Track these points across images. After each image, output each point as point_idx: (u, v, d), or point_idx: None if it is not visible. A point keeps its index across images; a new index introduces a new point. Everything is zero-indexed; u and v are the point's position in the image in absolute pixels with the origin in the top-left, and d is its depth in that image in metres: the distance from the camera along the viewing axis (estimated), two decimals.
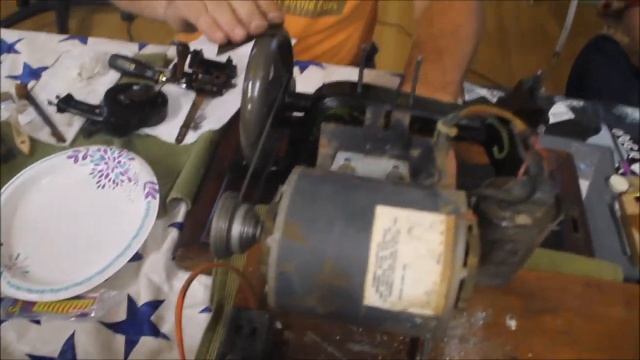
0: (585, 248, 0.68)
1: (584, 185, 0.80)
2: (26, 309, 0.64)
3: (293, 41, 1.00)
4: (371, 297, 0.43)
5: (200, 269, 0.53)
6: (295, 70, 0.98)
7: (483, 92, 0.95)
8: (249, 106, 0.57)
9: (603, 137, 0.87)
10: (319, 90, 0.63)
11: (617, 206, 0.77)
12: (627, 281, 0.64)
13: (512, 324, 0.59)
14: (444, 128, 0.46)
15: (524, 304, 0.59)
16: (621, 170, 0.83)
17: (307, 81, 0.95)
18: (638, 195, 0.77)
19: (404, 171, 0.53)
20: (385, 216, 0.43)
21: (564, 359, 0.56)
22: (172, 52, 0.99)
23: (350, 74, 0.98)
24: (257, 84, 0.57)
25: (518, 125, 0.42)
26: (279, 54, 0.66)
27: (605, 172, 0.82)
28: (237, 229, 0.49)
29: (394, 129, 0.52)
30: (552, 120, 0.89)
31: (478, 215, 0.49)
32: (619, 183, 0.80)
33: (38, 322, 0.64)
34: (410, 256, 0.42)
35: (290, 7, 1.01)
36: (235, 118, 0.83)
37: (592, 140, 0.87)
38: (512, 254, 0.52)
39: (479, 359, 0.57)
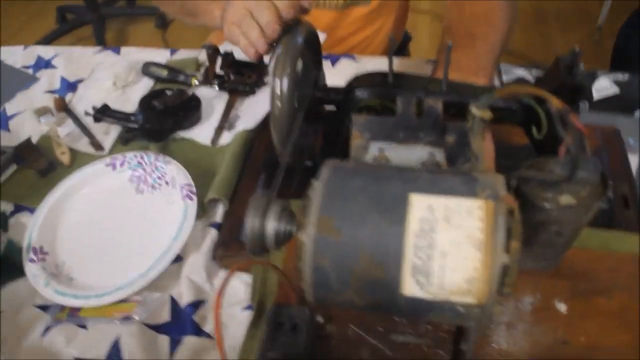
0: (638, 225, 0.65)
1: (633, 160, 0.76)
2: (73, 314, 0.66)
3: (323, 35, 1.00)
4: (410, 288, 0.42)
5: (236, 266, 0.53)
6: (327, 63, 0.98)
7: (520, 72, 0.92)
8: (278, 103, 0.56)
9: None
10: (350, 82, 0.62)
11: None
12: None
13: (562, 307, 0.57)
14: (478, 112, 0.45)
15: (573, 286, 0.57)
16: None
17: (340, 73, 0.94)
18: None
19: (440, 158, 0.51)
20: (420, 205, 0.42)
21: (618, 343, 0.53)
22: (203, 55, 0.99)
23: (382, 64, 0.97)
24: (285, 81, 0.56)
25: (554, 103, 0.40)
26: (307, 49, 0.66)
27: None
28: (271, 225, 0.49)
29: (427, 116, 0.51)
30: (596, 96, 0.86)
31: (520, 198, 0.48)
32: None
33: (85, 326, 0.65)
34: (448, 244, 0.41)
35: (319, 2, 1.00)
36: (269, 116, 0.83)
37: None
38: (558, 236, 0.50)
39: (529, 345, 0.55)
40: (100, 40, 2.56)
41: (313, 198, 0.45)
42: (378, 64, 0.97)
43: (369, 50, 1.10)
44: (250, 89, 0.91)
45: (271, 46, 0.59)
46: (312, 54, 0.66)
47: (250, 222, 0.48)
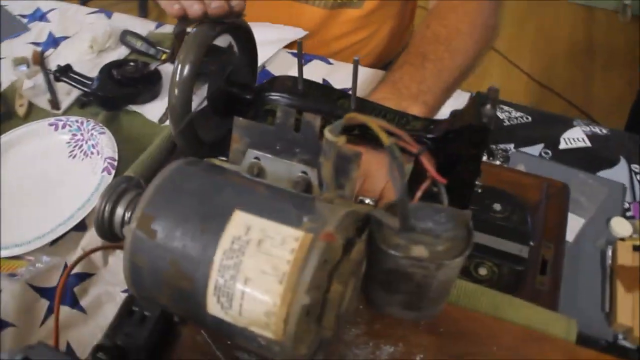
0: (547, 294, 0.60)
1: (577, 222, 0.71)
2: None
3: (302, 34, 0.98)
4: (213, 307, 0.40)
5: (89, 251, 0.52)
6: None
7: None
8: (175, 91, 0.55)
9: (619, 172, 0.76)
10: (263, 84, 0.60)
11: (609, 252, 0.67)
12: (587, 342, 0.55)
13: None
14: (331, 136, 0.42)
15: (441, 344, 0.53)
16: (630, 213, 0.72)
17: (308, 74, 0.92)
18: (638, 244, 0.67)
19: (312, 178, 0.49)
20: (239, 222, 0.40)
21: None
22: None
23: (361, 72, 0.93)
24: (187, 68, 0.55)
25: (383, 139, 0.36)
26: (236, 41, 0.64)
27: (610, 212, 0.72)
28: (120, 212, 0.47)
29: (303, 132, 0.48)
30: (562, 145, 0.80)
31: (372, 239, 0.44)
32: (621, 226, 0.69)
33: None
34: (253, 270, 0.38)
35: None
36: None
37: (605, 173, 0.76)
38: (419, 288, 0.46)
39: None
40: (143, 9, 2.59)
41: (146, 191, 0.43)
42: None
43: (358, 56, 1.06)
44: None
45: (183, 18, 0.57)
46: (241, 49, 0.64)
47: (100, 204, 0.47)
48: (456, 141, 0.53)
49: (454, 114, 0.54)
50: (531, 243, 0.63)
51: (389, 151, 0.36)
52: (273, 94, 0.58)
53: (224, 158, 0.66)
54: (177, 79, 0.55)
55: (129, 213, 0.47)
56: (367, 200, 0.59)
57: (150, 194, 0.43)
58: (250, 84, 0.65)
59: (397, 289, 0.48)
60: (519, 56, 2.39)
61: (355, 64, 0.52)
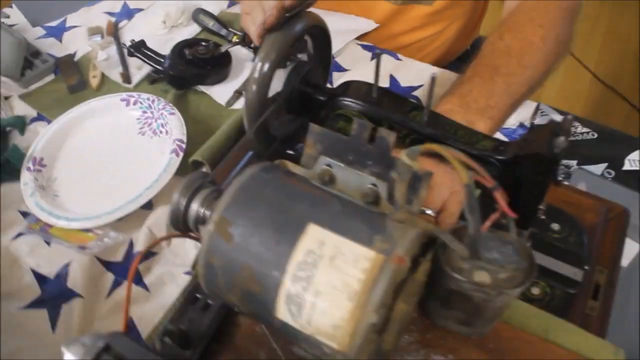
0: (597, 320, 0.60)
1: (634, 248, 0.70)
2: (44, 229, 0.71)
3: (373, 26, 0.97)
4: (282, 313, 0.42)
5: (161, 239, 0.55)
6: (367, 56, 0.95)
7: (559, 118, 0.85)
8: (253, 87, 0.56)
9: None
10: (337, 87, 0.61)
11: None
12: None
13: None
14: (407, 159, 0.43)
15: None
16: None
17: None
18: None
19: (382, 191, 0.50)
20: (314, 236, 0.42)
21: None
22: None
23: (426, 70, 0.93)
24: (266, 66, 0.56)
25: (462, 176, 0.37)
26: (313, 42, 0.65)
27: None
28: (194, 207, 0.50)
29: (377, 146, 0.49)
30: (627, 167, 0.78)
31: (436, 261, 0.46)
32: None
33: (49, 243, 0.70)
34: (325, 285, 0.40)
35: None
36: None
37: None
38: (476, 309, 0.48)
39: None
40: None
41: (224, 195, 0.45)
42: (421, 69, 0.94)
43: (424, 52, 1.06)
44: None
45: (266, 31, 0.58)
46: (316, 49, 0.64)
47: (176, 198, 0.49)
48: (524, 166, 0.53)
49: (525, 137, 0.54)
50: (586, 267, 0.63)
51: (466, 190, 0.37)
52: (347, 99, 0.59)
53: (291, 152, 0.68)
54: (255, 75, 0.56)
55: (204, 209, 0.49)
56: (429, 211, 0.61)
57: (228, 199, 0.45)
58: (323, 84, 0.66)
59: (454, 307, 0.49)
60: (586, 55, 2.31)
61: (432, 81, 0.52)
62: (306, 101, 0.62)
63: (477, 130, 0.57)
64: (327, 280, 0.40)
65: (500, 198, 0.40)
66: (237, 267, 0.43)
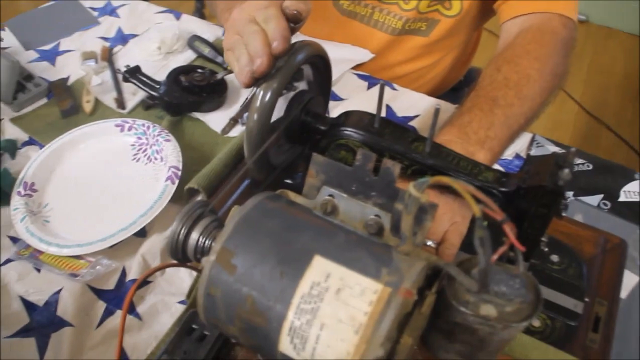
0: (598, 352, 0.59)
1: (632, 279, 0.70)
2: (34, 255, 0.69)
3: (370, 56, 0.98)
4: (285, 346, 0.41)
5: (153, 269, 0.53)
6: (364, 86, 0.96)
7: (554, 149, 0.86)
8: (254, 115, 0.56)
9: None
10: (338, 117, 0.60)
11: None
12: None
13: None
14: (415, 192, 0.42)
15: None
16: None
17: (373, 98, 0.92)
18: None
19: (385, 222, 0.49)
20: (319, 268, 0.41)
21: None
22: None
23: (422, 100, 0.93)
24: (268, 95, 0.56)
25: (474, 209, 0.37)
26: (314, 71, 0.65)
27: None
28: (194, 236, 0.49)
29: (382, 177, 0.48)
30: (623, 198, 0.79)
31: (442, 294, 0.45)
32: None
33: (39, 270, 0.68)
34: (330, 318, 0.39)
35: (378, 21, 0.98)
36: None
37: None
38: (481, 342, 0.47)
39: None
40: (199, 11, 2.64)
41: (226, 225, 0.44)
42: (417, 99, 0.94)
43: (419, 82, 1.06)
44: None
45: (255, 79, 0.56)
46: (317, 79, 0.65)
47: (175, 227, 0.49)
48: (526, 198, 0.53)
49: (527, 170, 0.54)
50: (586, 299, 0.63)
51: (478, 223, 0.37)
52: (349, 129, 0.58)
53: (289, 181, 0.68)
54: (257, 104, 0.56)
55: (204, 239, 0.48)
56: (429, 242, 0.60)
57: (230, 229, 0.44)
58: (323, 113, 0.65)
59: (458, 339, 0.48)
60: (572, 86, 2.35)
61: (436, 112, 0.52)
62: (306, 130, 0.62)
63: (479, 162, 0.57)
64: (332, 313, 0.39)
65: (509, 231, 0.39)
66: (240, 299, 0.42)
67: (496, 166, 0.80)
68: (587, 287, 0.64)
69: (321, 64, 0.64)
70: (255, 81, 0.55)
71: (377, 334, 0.38)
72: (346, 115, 0.60)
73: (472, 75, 1.21)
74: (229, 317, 0.43)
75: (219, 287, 0.43)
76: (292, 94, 0.63)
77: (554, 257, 0.65)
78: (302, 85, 0.66)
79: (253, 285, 0.41)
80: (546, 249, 0.64)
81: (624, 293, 0.69)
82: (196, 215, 0.49)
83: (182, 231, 0.48)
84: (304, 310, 0.40)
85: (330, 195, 0.51)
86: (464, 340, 0.48)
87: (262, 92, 0.56)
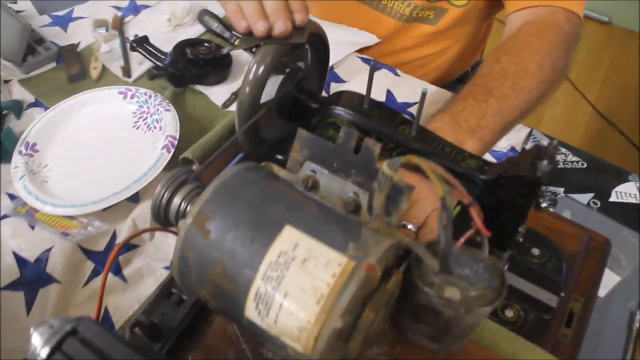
0: (568, 347, 0.60)
1: (612, 279, 0.70)
2: (30, 213, 0.71)
3: (375, 41, 0.99)
4: (251, 312, 0.42)
5: (140, 231, 0.55)
6: (366, 69, 0.96)
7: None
8: (246, 89, 0.57)
9: None
10: (330, 96, 0.61)
11: (638, 316, 0.67)
12: None
13: None
14: (388, 170, 0.43)
15: None
16: None
17: (374, 83, 0.93)
18: None
19: (363, 200, 0.50)
20: (288, 237, 0.42)
21: None
22: None
23: (422, 87, 0.93)
24: (261, 70, 0.57)
25: (438, 189, 0.38)
26: (312, 51, 0.65)
27: None
28: (176, 201, 0.50)
29: (362, 156, 0.49)
30: (613, 198, 0.79)
31: (409, 274, 0.46)
32: None
33: (33, 227, 0.70)
34: (294, 287, 0.40)
35: (387, 7, 0.98)
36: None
37: None
38: (445, 325, 0.48)
39: None
40: None
41: (205, 191, 0.46)
42: (419, 85, 0.94)
43: (424, 70, 1.07)
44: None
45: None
46: (314, 59, 0.65)
47: (159, 190, 0.50)
48: (506, 188, 0.53)
49: (509, 159, 0.55)
50: (562, 294, 0.64)
51: (441, 203, 0.38)
52: (338, 108, 0.59)
53: (280, 157, 0.69)
54: (250, 77, 0.57)
55: (185, 204, 0.50)
56: (410, 226, 0.61)
57: (208, 195, 0.45)
58: (318, 92, 0.66)
59: (424, 321, 0.50)
60: (588, 87, 2.33)
61: (422, 97, 0.53)
62: (298, 107, 0.63)
63: (463, 149, 0.58)
64: (296, 282, 0.40)
65: (476, 215, 0.40)
66: (211, 263, 0.43)
67: (489, 157, 0.81)
68: (565, 282, 0.64)
69: (319, 44, 0.65)
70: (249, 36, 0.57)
71: (338, 305, 0.39)
72: (338, 95, 0.61)
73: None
74: (200, 280, 0.45)
75: (193, 250, 0.44)
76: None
77: (535, 251, 0.65)
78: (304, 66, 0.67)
79: (224, 250, 0.43)
80: (526, 242, 0.65)
81: (603, 292, 0.69)
82: (180, 180, 0.51)
83: (165, 195, 0.50)
84: (270, 278, 0.41)
85: (312, 171, 0.52)
86: (429, 323, 0.49)
87: (254, 66, 0.57)
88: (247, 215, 0.44)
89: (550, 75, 0.73)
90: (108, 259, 0.51)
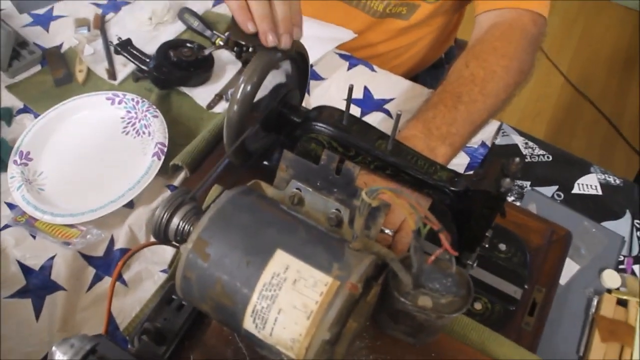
0: (530, 334, 0.67)
1: (573, 268, 0.77)
2: (30, 222, 0.75)
3: (352, 36, 1.02)
4: (249, 325, 0.48)
5: (139, 247, 0.60)
6: (344, 66, 1.00)
7: (519, 140, 0.91)
8: (235, 106, 0.61)
9: (622, 224, 0.82)
10: (310, 111, 0.66)
11: (595, 302, 0.74)
12: None
13: None
14: (367, 198, 0.48)
15: None
16: (623, 266, 0.78)
17: (352, 79, 0.97)
18: (623, 298, 0.73)
19: (344, 216, 0.55)
20: (280, 260, 0.47)
21: None
22: None
23: (399, 83, 0.98)
24: (248, 88, 0.60)
25: (411, 223, 0.43)
26: (293, 65, 0.69)
27: (605, 263, 0.78)
28: (175, 221, 0.55)
29: (343, 176, 0.54)
30: (576, 190, 0.85)
31: (387, 285, 0.52)
32: (611, 279, 0.76)
33: (34, 236, 0.74)
34: (286, 304, 0.46)
35: (360, 3, 1.01)
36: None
37: (609, 224, 0.82)
38: (419, 326, 0.54)
39: None
40: None
41: (202, 218, 0.51)
42: (394, 81, 0.99)
43: (396, 62, 1.11)
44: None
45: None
46: (295, 73, 0.69)
47: (159, 212, 0.54)
48: (473, 200, 0.59)
49: (476, 173, 0.60)
50: (526, 287, 0.70)
51: (413, 235, 0.43)
52: (319, 124, 0.64)
53: (266, 162, 0.73)
54: (238, 96, 0.61)
55: (184, 223, 0.55)
56: (387, 231, 0.67)
57: (206, 221, 0.50)
58: (299, 105, 0.70)
59: (401, 322, 0.56)
60: (560, 56, 2.38)
61: (397, 118, 0.57)
62: (282, 121, 0.67)
63: (436, 161, 0.63)
64: (289, 300, 0.46)
65: (444, 239, 0.46)
66: (211, 283, 0.49)
67: (462, 154, 0.86)
68: (529, 275, 0.71)
69: (300, 60, 0.68)
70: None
71: (325, 320, 0.45)
72: (319, 110, 0.65)
73: (453, 52, 1.26)
74: (201, 297, 0.50)
75: (194, 272, 0.49)
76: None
77: (502, 246, 0.72)
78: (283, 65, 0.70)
79: (223, 272, 0.48)
80: (493, 239, 0.71)
81: (563, 280, 0.76)
82: (178, 202, 0.55)
83: (165, 216, 0.54)
84: (265, 297, 0.46)
85: (297, 189, 0.57)
86: (406, 323, 0.56)
87: (242, 85, 0.61)
88: (242, 240, 0.49)
89: (516, 77, 0.78)
90: (114, 271, 0.56)
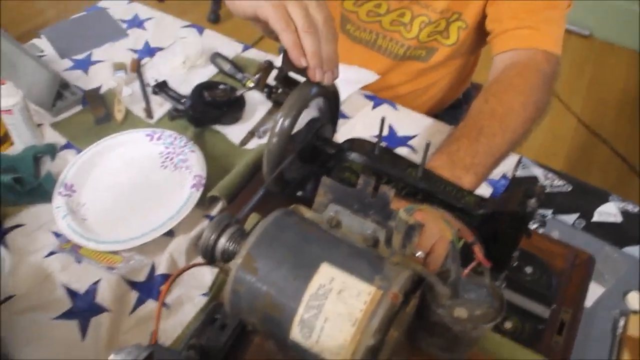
0: (560, 353, 0.69)
1: (598, 290, 0.80)
2: (75, 249, 0.79)
3: (376, 78, 1.08)
4: (296, 334, 0.51)
5: (184, 268, 0.63)
6: (369, 105, 1.05)
7: (538, 172, 0.95)
8: (274, 139, 0.66)
9: None
10: (343, 142, 0.70)
11: (621, 323, 0.76)
12: None
13: None
14: (404, 215, 0.52)
15: None
16: None
17: (376, 118, 1.02)
18: None
19: (380, 236, 0.59)
20: (325, 273, 0.51)
21: None
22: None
23: (421, 121, 1.03)
24: (287, 122, 0.65)
25: (447, 234, 0.47)
26: (325, 102, 0.74)
27: (628, 286, 0.80)
28: (222, 242, 0.59)
29: (379, 199, 0.58)
30: (596, 217, 0.88)
31: (424, 298, 0.55)
32: (635, 301, 0.78)
33: (79, 262, 0.78)
34: (332, 313, 0.49)
35: (382, 47, 1.08)
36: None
37: (630, 249, 0.85)
38: (454, 338, 0.57)
39: None
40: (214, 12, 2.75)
41: (250, 236, 0.54)
42: (417, 119, 1.04)
43: (419, 101, 1.16)
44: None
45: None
46: (327, 108, 0.74)
47: (206, 234, 0.58)
48: (500, 221, 0.63)
49: (502, 196, 0.64)
50: (553, 306, 0.73)
51: (451, 245, 0.47)
52: (353, 153, 0.68)
53: (300, 193, 0.77)
54: (277, 130, 0.65)
55: (230, 243, 0.58)
56: (419, 253, 0.70)
57: (254, 239, 0.54)
58: (331, 138, 0.75)
59: (436, 334, 0.58)
60: (571, 100, 2.44)
61: (427, 147, 0.62)
62: (317, 153, 0.72)
63: (463, 187, 0.67)
64: (334, 309, 0.49)
65: (478, 251, 0.49)
66: (260, 295, 0.52)
67: (485, 185, 0.90)
68: (555, 296, 0.73)
69: (332, 97, 0.73)
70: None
71: (370, 327, 0.48)
72: (350, 142, 0.70)
73: (470, 94, 1.31)
74: (250, 309, 0.53)
75: (243, 285, 0.53)
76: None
77: (528, 269, 0.74)
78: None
79: (271, 285, 0.51)
80: (520, 262, 0.74)
81: (589, 302, 0.79)
82: (224, 224, 0.59)
83: (213, 237, 0.58)
84: (311, 307, 0.50)
85: (335, 212, 0.61)
86: (441, 336, 0.58)
87: (281, 119, 0.66)
88: (288, 256, 0.52)
89: (533, 113, 0.83)
90: (160, 294, 0.60)
